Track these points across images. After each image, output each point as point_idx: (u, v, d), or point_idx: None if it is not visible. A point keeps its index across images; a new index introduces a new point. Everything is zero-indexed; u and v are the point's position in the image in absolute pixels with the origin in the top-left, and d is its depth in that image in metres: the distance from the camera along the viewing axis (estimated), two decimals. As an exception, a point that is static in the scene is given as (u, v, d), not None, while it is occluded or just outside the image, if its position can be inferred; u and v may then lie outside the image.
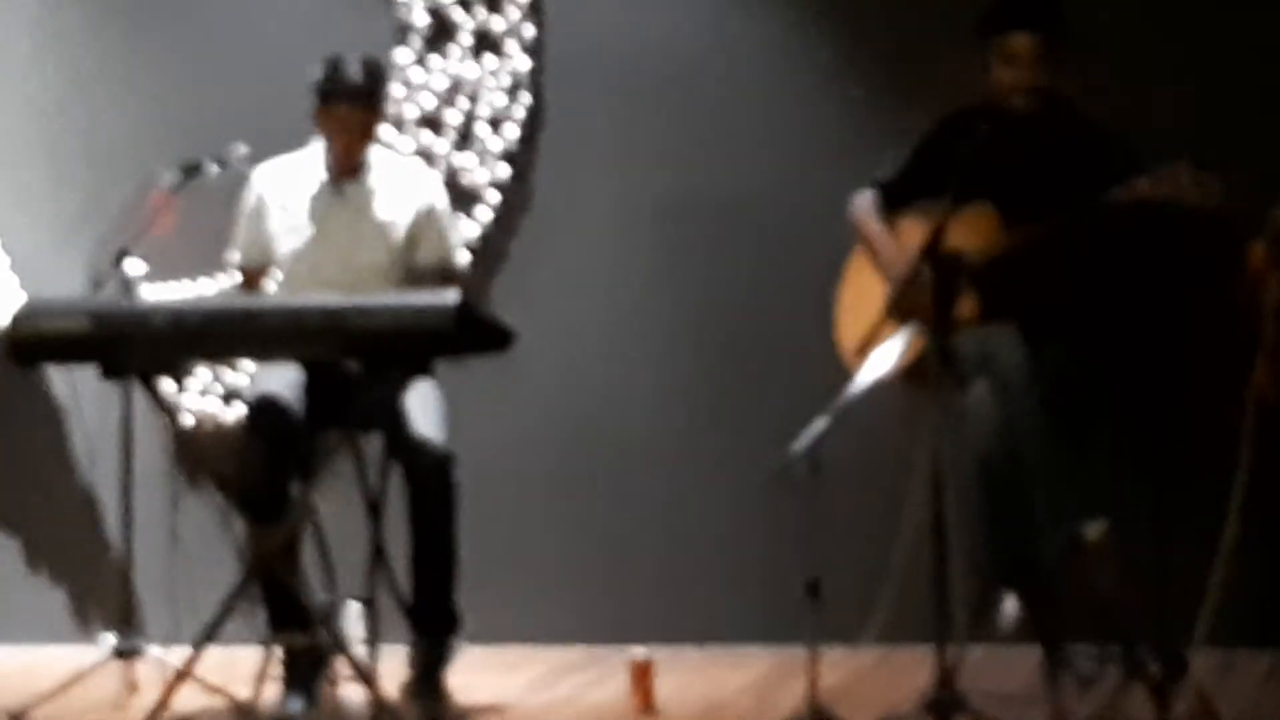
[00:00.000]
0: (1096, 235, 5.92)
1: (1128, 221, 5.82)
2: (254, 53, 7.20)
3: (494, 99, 7.53)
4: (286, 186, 6.62)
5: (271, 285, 6.62)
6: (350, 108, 6.43)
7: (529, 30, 7.51)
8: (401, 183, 6.61)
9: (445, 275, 6.55)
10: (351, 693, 6.27)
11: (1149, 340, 6.20)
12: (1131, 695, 5.93)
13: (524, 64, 7.52)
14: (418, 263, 6.57)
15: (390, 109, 7.37)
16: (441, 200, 6.70)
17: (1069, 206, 5.92)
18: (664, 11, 7.46)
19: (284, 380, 6.42)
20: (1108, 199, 5.83)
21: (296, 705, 6.16)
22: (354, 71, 6.42)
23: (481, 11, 7.51)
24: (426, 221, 6.58)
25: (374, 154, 6.61)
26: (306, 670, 6.27)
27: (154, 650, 6.61)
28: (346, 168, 6.55)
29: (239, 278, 6.73)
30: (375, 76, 6.49)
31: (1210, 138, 5.97)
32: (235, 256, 6.72)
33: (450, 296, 5.94)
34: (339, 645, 6.21)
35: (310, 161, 6.60)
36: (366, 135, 6.50)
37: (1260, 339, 5.42)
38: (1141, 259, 5.99)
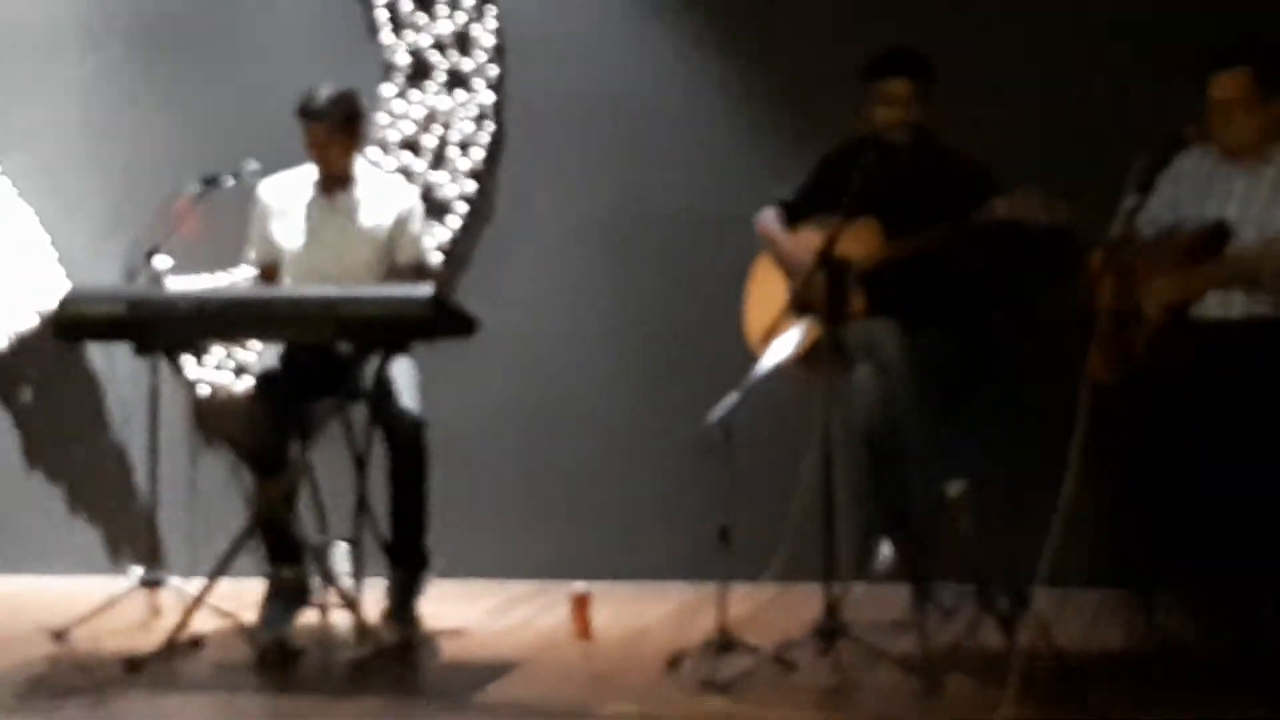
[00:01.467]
0: (964, 246, 5.95)
1: (988, 235, 5.85)
2: (264, 85, 7.16)
3: (463, 127, 7.50)
4: (287, 197, 6.63)
5: (286, 279, 6.59)
6: (316, 125, 6.44)
7: (493, 70, 7.47)
8: (382, 194, 6.62)
9: (420, 272, 6.61)
10: (339, 618, 6.23)
11: (1006, 331, 6.21)
12: (984, 625, 5.93)
13: (488, 98, 7.49)
14: (397, 261, 6.56)
15: (376, 134, 7.44)
16: (416, 209, 6.68)
17: (940, 222, 5.93)
18: (605, 58, 7.41)
19: (285, 357, 6.42)
20: (972, 217, 5.84)
21: (291, 627, 6.13)
22: (320, 96, 6.45)
23: (454, 54, 7.48)
24: (403, 227, 6.58)
25: (359, 170, 6.63)
26: (297, 601, 6.29)
27: (174, 581, 6.65)
28: (331, 180, 6.56)
29: (255, 272, 6.70)
30: (337, 102, 6.47)
31: (1057, 165, 6.00)
32: (250, 255, 6.71)
33: (425, 289, 6.04)
34: (329, 578, 6.25)
35: (306, 176, 6.61)
36: (333, 149, 6.50)
37: (1095, 331, 5.37)
38: (1000, 265, 6.02)
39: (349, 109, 6.51)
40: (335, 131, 6.46)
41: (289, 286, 6.46)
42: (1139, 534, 5.51)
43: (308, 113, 6.45)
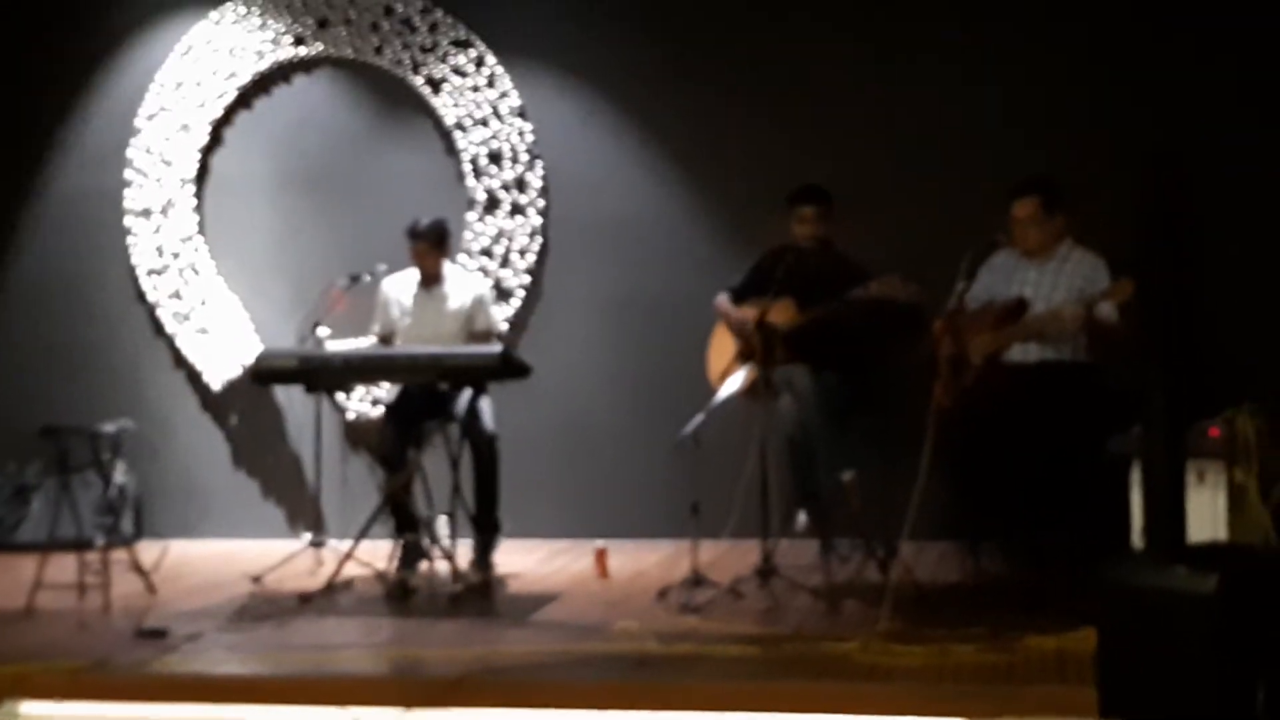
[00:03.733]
0: (849, 315, 5.84)
1: (865, 307, 5.74)
2: (389, 212, 7.06)
3: (521, 240, 7.45)
4: (400, 290, 6.61)
5: (396, 344, 6.56)
6: (418, 243, 6.44)
7: (541, 202, 7.43)
8: (463, 285, 6.58)
9: (489, 335, 6.57)
10: (440, 566, 6.18)
11: (881, 372, 6.10)
12: (868, 567, 5.91)
13: (538, 221, 7.44)
14: (475, 329, 6.54)
15: (462, 245, 7.35)
16: (487, 295, 6.64)
17: (832, 300, 5.83)
18: (615, 192, 7.36)
19: (405, 393, 6.41)
20: (852, 295, 5.74)
21: (410, 573, 6.12)
22: (421, 223, 6.44)
23: (515, 192, 7.43)
24: (478, 307, 6.55)
25: (447, 269, 6.59)
26: (414, 555, 6.25)
27: (332, 542, 6.62)
28: (429, 278, 6.52)
29: (376, 340, 6.67)
30: (432, 227, 6.46)
31: (911, 260, 5.89)
32: (375, 329, 6.67)
33: (496, 348, 6.00)
34: (435, 539, 6.19)
35: (412, 276, 6.59)
36: (429, 259, 6.47)
37: (938, 372, 5.39)
38: (873, 328, 5.94)
39: (440, 231, 6.50)
40: (431, 247, 6.47)
41: (406, 346, 6.42)
42: (969, 504, 5.50)
43: (413, 234, 6.46)
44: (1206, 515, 5.16)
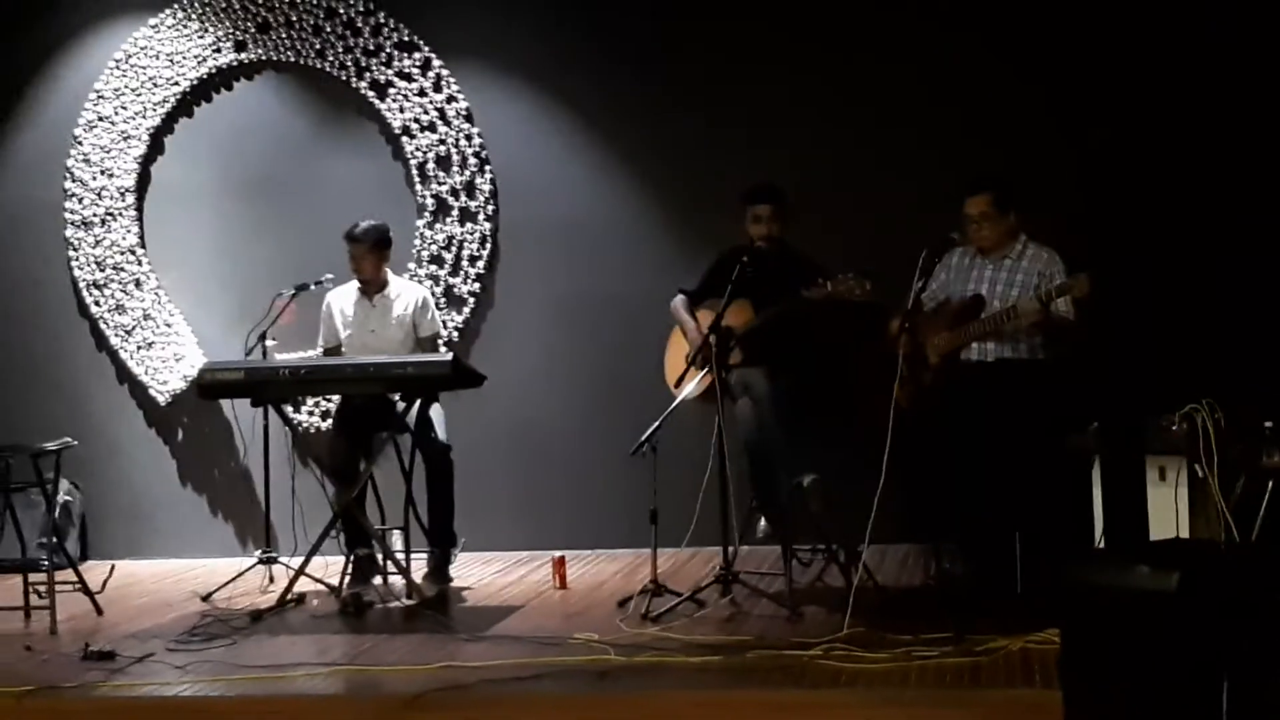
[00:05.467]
0: (803, 316, 5.85)
1: (820, 308, 5.75)
2: (334, 222, 6.91)
3: (472, 246, 7.41)
4: (343, 301, 6.58)
5: (345, 353, 6.53)
6: (353, 247, 6.40)
7: (491, 207, 7.40)
8: (405, 292, 6.56)
9: (435, 341, 6.56)
10: (395, 580, 6.20)
11: (839, 373, 6.10)
12: (829, 571, 5.97)
13: (488, 227, 7.40)
14: (420, 336, 6.51)
15: (415, 251, 7.33)
16: (428, 299, 6.62)
17: (788, 301, 5.82)
18: (565, 196, 7.33)
19: (354, 404, 6.36)
20: (807, 295, 5.73)
21: (364, 588, 6.09)
22: (356, 228, 6.41)
23: (464, 198, 7.39)
24: (421, 313, 6.52)
25: (390, 277, 6.57)
26: (367, 570, 6.24)
27: (283, 559, 6.58)
28: (370, 285, 6.50)
29: (321, 351, 6.64)
30: (368, 231, 6.41)
31: (867, 260, 5.89)
32: (320, 342, 6.65)
33: (447, 356, 5.98)
34: (388, 553, 6.19)
35: (355, 286, 6.55)
36: (365, 262, 6.41)
37: (897, 372, 5.37)
38: (830, 328, 5.94)
39: (378, 236, 6.45)
40: (368, 251, 6.41)
41: (353, 357, 6.36)
42: (929, 508, 5.52)
43: (350, 238, 6.42)
44: (1168, 512, 5.20)
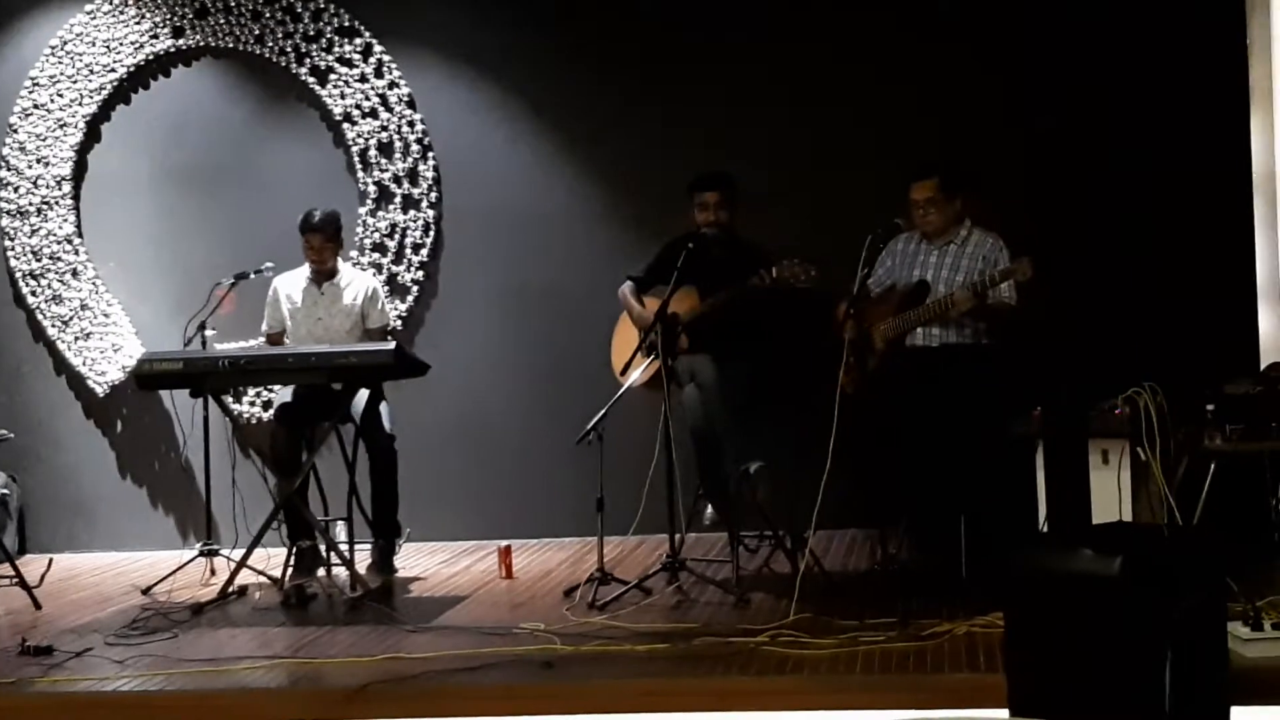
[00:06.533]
0: (750, 302, 5.86)
1: (766, 294, 5.77)
2: (274, 209, 6.99)
3: (415, 234, 7.38)
4: (291, 287, 6.54)
5: (286, 342, 6.51)
6: (310, 236, 6.37)
7: (434, 195, 7.36)
8: (355, 281, 6.53)
9: (384, 333, 6.54)
10: (339, 571, 6.16)
11: (785, 360, 6.10)
12: (776, 558, 5.96)
13: (431, 214, 7.37)
14: (369, 327, 6.49)
15: (358, 239, 7.29)
16: (379, 290, 6.61)
17: (734, 287, 5.84)
18: (510, 184, 7.30)
19: (296, 394, 6.33)
20: (753, 282, 5.76)
21: (307, 579, 6.05)
22: (313, 216, 6.38)
23: (406, 185, 7.36)
24: (370, 303, 6.50)
25: (340, 265, 6.55)
26: (310, 561, 6.20)
27: (224, 551, 6.54)
28: (321, 274, 6.47)
29: (265, 339, 6.63)
30: (326, 219, 6.40)
31: (813, 246, 5.92)
32: (264, 327, 6.62)
33: (390, 345, 5.96)
34: (331, 545, 6.17)
35: (303, 273, 6.52)
36: (324, 252, 6.41)
37: (843, 358, 5.41)
38: (776, 314, 5.95)
39: (335, 223, 6.45)
40: (326, 240, 6.40)
41: (296, 346, 6.34)
42: (875, 492, 5.57)
43: (307, 227, 6.40)
44: (1111, 495, 5.26)
